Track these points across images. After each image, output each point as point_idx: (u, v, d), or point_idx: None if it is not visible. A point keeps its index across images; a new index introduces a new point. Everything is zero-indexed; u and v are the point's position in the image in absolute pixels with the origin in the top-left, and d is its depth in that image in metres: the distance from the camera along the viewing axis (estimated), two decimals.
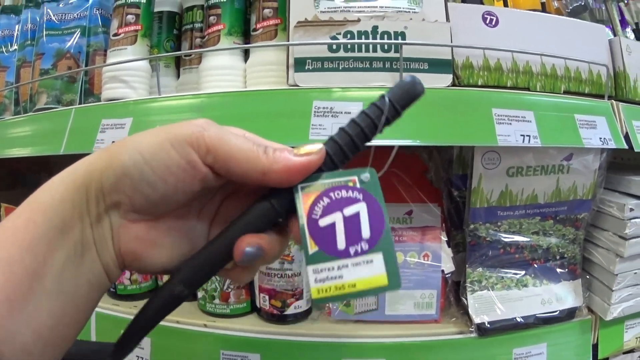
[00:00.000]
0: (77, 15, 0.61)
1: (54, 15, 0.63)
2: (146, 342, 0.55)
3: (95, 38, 0.60)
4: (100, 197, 0.21)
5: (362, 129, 0.26)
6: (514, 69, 0.52)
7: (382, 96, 0.25)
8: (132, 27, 0.55)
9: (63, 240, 0.20)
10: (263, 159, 0.21)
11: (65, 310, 0.20)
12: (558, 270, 0.55)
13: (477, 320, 0.50)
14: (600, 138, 0.52)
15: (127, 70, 0.54)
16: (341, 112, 0.45)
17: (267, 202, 0.22)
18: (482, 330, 0.50)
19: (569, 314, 0.55)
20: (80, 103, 0.59)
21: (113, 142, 0.53)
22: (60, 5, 0.63)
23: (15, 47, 0.69)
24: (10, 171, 0.79)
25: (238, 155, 0.21)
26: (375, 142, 0.45)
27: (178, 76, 0.58)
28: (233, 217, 0.23)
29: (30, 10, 0.68)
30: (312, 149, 0.23)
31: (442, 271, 0.49)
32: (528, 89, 0.53)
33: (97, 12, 0.61)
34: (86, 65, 0.59)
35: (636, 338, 0.60)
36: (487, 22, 0.52)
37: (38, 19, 0.65)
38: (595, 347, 0.57)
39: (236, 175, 0.22)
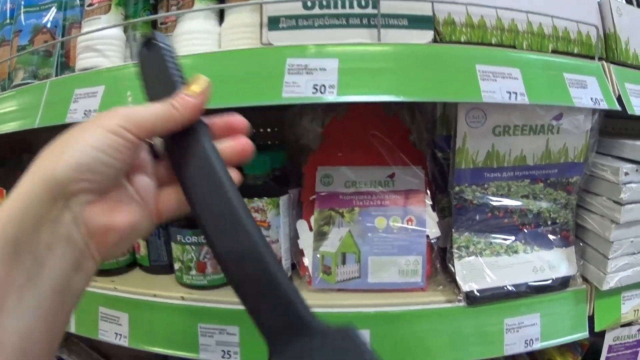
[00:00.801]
0: None
1: None
2: (123, 317, 0.52)
3: (72, 11, 0.57)
4: (57, 193, 0.22)
5: None
6: (498, 26, 0.49)
7: None
8: None
9: (17, 260, 0.21)
10: (176, 114, 0.25)
11: (32, 328, 0.21)
12: (550, 236, 0.51)
13: (465, 288, 0.46)
14: (592, 98, 0.49)
15: (100, 39, 0.51)
16: (316, 69, 0.42)
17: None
18: (471, 299, 0.46)
19: (562, 283, 0.51)
20: (56, 76, 0.56)
21: (85, 112, 0.51)
22: None
23: None
24: None
25: (158, 121, 0.25)
26: (353, 98, 0.43)
27: None
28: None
29: None
30: (202, 86, 0.27)
31: (427, 236, 0.46)
32: (514, 47, 0.49)
33: None
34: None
35: (635, 310, 0.56)
36: None
37: None
38: (591, 320, 0.53)
39: (161, 133, 0.26)
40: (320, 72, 0.42)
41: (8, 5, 0.65)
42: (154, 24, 0.55)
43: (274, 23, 0.45)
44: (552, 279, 0.50)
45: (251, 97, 0.42)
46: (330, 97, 0.41)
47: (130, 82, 0.48)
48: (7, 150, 0.76)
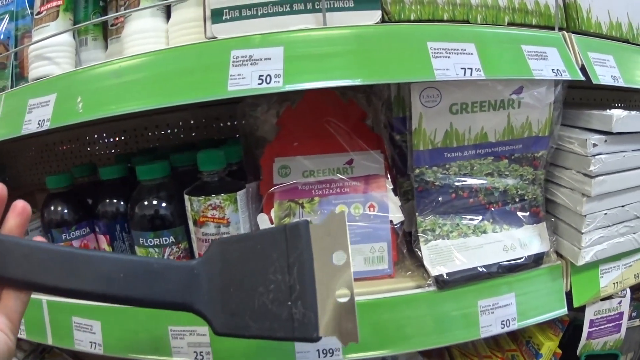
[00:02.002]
0: (5, 1, 0.58)
1: None
2: (96, 325, 0.51)
3: (23, 21, 0.56)
4: None
5: None
6: (449, 1, 0.47)
7: None
8: (53, 3, 0.51)
9: None
10: None
11: None
12: (519, 213, 0.49)
13: (433, 272, 0.45)
14: (553, 69, 0.47)
15: (50, 47, 0.50)
16: (261, 59, 0.41)
17: None
18: (441, 283, 0.45)
19: (535, 260, 0.49)
20: (12, 88, 0.55)
21: (39, 122, 0.49)
22: None
23: None
24: None
25: None
26: (300, 85, 0.41)
27: (106, 48, 0.54)
28: None
29: None
30: None
31: (391, 222, 0.44)
32: (468, 22, 0.47)
33: None
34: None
35: (614, 284, 0.54)
36: None
37: None
38: (569, 295, 0.52)
39: None
40: (265, 62, 0.41)
41: None
42: (104, 27, 0.54)
43: (217, 16, 0.43)
44: (525, 257, 0.49)
45: (197, 93, 0.41)
46: (277, 86, 0.40)
47: (81, 87, 0.46)
48: None
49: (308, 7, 0.43)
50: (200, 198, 0.42)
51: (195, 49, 0.43)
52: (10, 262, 0.27)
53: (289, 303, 0.27)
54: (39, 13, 0.52)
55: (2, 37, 0.56)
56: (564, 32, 0.50)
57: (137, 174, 0.45)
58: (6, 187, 0.30)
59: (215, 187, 0.43)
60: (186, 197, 0.43)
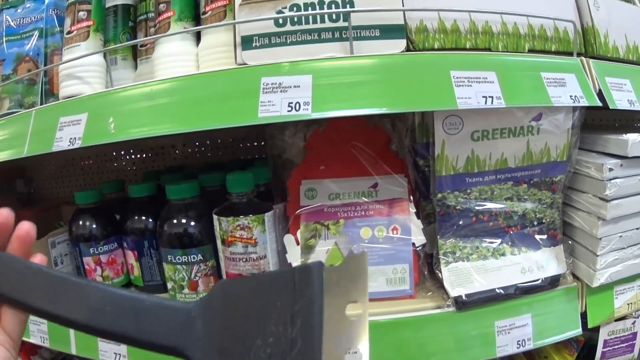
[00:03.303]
0: (34, 18, 0.60)
1: (12, 21, 0.62)
2: None
3: (53, 38, 0.58)
4: None
5: None
6: (472, 29, 0.49)
7: None
8: (84, 24, 0.53)
9: None
10: None
11: None
12: (537, 236, 0.51)
13: (453, 293, 0.47)
14: (571, 96, 0.49)
15: (81, 67, 0.52)
16: (290, 87, 0.43)
17: None
18: (460, 304, 0.47)
19: (552, 282, 0.51)
20: (41, 104, 0.57)
21: (70, 140, 0.51)
22: (18, 10, 0.62)
23: None
24: None
25: None
26: (328, 114, 0.43)
27: (135, 68, 0.56)
28: None
29: None
30: None
31: (413, 244, 0.46)
32: (489, 49, 0.49)
33: (53, 12, 0.59)
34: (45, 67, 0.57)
35: (628, 304, 0.56)
36: None
37: None
38: (584, 316, 0.53)
39: None
40: (294, 90, 0.43)
41: None
42: (134, 47, 0.56)
43: (247, 42, 0.45)
44: (542, 279, 0.51)
45: (228, 119, 0.43)
46: (306, 114, 0.42)
47: (112, 107, 0.48)
48: None
49: (335, 36, 0.45)
50: (229, 218, 0.44)
51: (226, 75, 0.45)
52: (7, 281, 0.27)
53: None
54: (69, 32, 0.54)
55: (31, 53, 0.59)
56: (582, 57, 0.52)
57: (167, 193, 0.47)
58: (13, 213, 0.31)
59: (243, 208, 0.45)
60: (215, 217, 0.46)
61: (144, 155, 0.83)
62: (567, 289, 0.52)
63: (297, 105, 0.42)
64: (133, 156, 0.83)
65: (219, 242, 0.46)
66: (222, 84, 0.44)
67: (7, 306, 0.28)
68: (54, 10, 0.59)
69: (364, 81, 0.44)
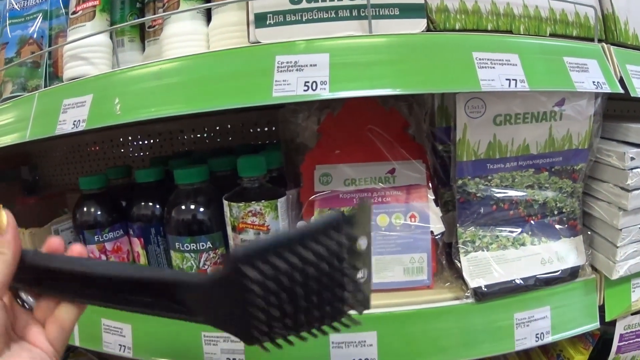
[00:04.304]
0: (39, 0, 0.56)
1: (16, 4, 0.58)
2: (126, 328, 0.49)
3: (57, 20, 0.55)
4: None
5: None
6: (493, 11, 0.45)
7: None
8: (89, 3, 0.49)
9: None
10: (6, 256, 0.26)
11: None
12: (557, 226, 0.48)
13: (472, 284, 0.43)
14: (594, 82, 0.46)
15: (86, 47, 0.48)
16: (306, 65, 0.39)
17: None
18: (479, 295, 0.44)
19: (571, 274, 0.48)
20: (45, 87, 0.53)
21: (74, 122, 0.48)
22: None
23: None
24: None
25: None
26: (347, 93, 0.40)
27: (143, 49, 0.53)
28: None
29: None
30: (3, 220, 0.27)
31: (432, 232, 0.43)
32: (511, 32, 0.46)
33: None
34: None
35: None
36: None
37: (2, 11, 0.60)
38: (601, 309, 0.50)
39: (9, 278, 0.26)
40: (310, 69, 0.39)
41: None
42: (141, 29, 0.52)
43: (260, 20, 0.42)
44: (561, 270, 0.47)
45: (241, 98, 0.39)
46: (323, 93, 0.38)
47: (119, 88, 0.45)
48: (1, 163, 0.74)
49: (353, 14, 0.42)
50: (240, 204, 0.41)
51: (239, 53, 0.41)
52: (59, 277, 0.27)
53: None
54: (74, 12, 0.50)
55: (35, 35, 0.55)
56: (603, 43, 0.49)
57: (175, 177, 0.44)
58: (63, 241, 0.29)
59: (255, 193, 0.42)
60: (225, 202, 0.42)
61: (152, 141, 0.79)
62: (585, 281, 0.49)
63: (314, 84, 0.39)
64: (140, 142, 0.79)
65: (229, 228, 0.43)
66: (234, 62, 0.41)
67: (60, 299, 0.28)
68: None
69: (383, 60, 0.40)
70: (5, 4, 0.59)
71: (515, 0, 0.47)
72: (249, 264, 0.25)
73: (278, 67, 0.39)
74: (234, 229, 0.42)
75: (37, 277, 0.27)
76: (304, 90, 0.38)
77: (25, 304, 0.29)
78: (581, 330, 0.50)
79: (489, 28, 0.45)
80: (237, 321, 0.26)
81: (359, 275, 0.27)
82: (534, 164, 0.46)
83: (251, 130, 0.76)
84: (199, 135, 0.75)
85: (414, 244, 0.43)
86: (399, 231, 0.43)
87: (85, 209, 0.49)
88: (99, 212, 0.48)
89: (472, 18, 0.45)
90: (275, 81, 0.39)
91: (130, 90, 0.44)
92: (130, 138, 0.82)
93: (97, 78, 0.46)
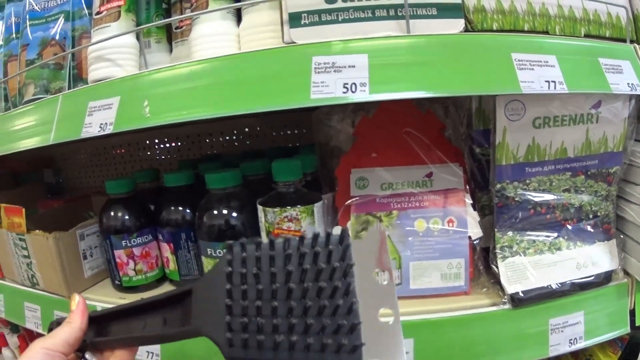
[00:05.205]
0: (60, 1, 0.54)
1: (36, 5, 0.55)
2: None
3: (80, 21, 0.52)
4: None
5: None
6: (529, 11, 0.43)
7: None
8: (114, 3, 0.47)
9: None
10: (74, 324, 0.30)
11: None
12: (592, 230, 0.46)
13: (510, 290, 0.41)
14: (629, 83, 0.43)
15: (112, 48, 0.46)
16: (344, 66, 0.37)
17: None
18: (516, 301, 0.42)
19: (605, 278, 0.46)
20: (69, 89, 0.51)
21: (100, 125, 0.46)
22: None
23: (0, 42, 0.61)
24: (11, 170, 0.72)
25: (69, 337, 0.30)
26: (387, 95, 0.38)
27: (171, 51, 0.50)
28: None
29: (14, 4, 0.60)
30: (74, 302, 0.31)
31: (469, 237, 0.41)
32: (547, 33, 0.44)
33: None
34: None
35: None
36: None
37: (22, 12, 0.58)
38: (632, 313, 0.48)
39: (77, 342, 0.30)
40: (349, 70, 0.37)
41: (13, 19, 0.60)
42: (168, 30, 0.50)
43: (295, 20, 0.39)
44: (595, 275, 0.45)
45: (277, 100, 0.37)
46: (363, 95, 0.36)
47: (147, 90, 0.42)
48: (24, 166, 0.71)
49: (390, 14, 0.40)
50: (275, 209, 0.39)
51: (274, 54, 0.39)
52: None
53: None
54: (98, 13, 0.48)
55: (57, 37, 0.52)
56: (635, 44, 0.47)
57: (207, 182, 0.41)
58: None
59: (291, 198, 0.39)
60: (260, 208, 0.40)
61: (180, 144, 0.75)
62: (618, 286, 0.47)
63: (354, 86, 0.36)
64: (168, 145, 0.76)
65: (263, 234, 0.41)
66: (269, 63, 0.38)
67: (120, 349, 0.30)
68: None
69: (423, 61, 0.38)
70: (24, 5, 0.57)
71: (550, 0, 0.45)
72: (236, 256, 0.24)
73: (315, 68, 0.37)
74: (268, 234, 0.40)
75: (95, 331, 0.30)
76: (343, 92, 0.36)
77: None
78: (612, 335, 0.48)
79: (526, 28, 0.43)
80: (217, 324, 0.24)
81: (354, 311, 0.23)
82: (571, 167, 0.44)
83: (281, 133, 0.73)
84: (227, 138, 0.72)
85: (452, 249, 0.41)
86: (436, 236, 0.40)
87: (112, 213, 0.46)
88: (126, 217, 0.46)
89: (509, 18, 0.43)
90: (313, 82, 0.37)
91: (159, 92, 0.41)
92: (157, 141, 0.79)
93: (124, 80, 0.44)
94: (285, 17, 0.40)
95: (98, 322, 0.31)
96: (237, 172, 0.42)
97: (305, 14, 0.39)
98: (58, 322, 0.31)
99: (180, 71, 0.41)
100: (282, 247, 0.24)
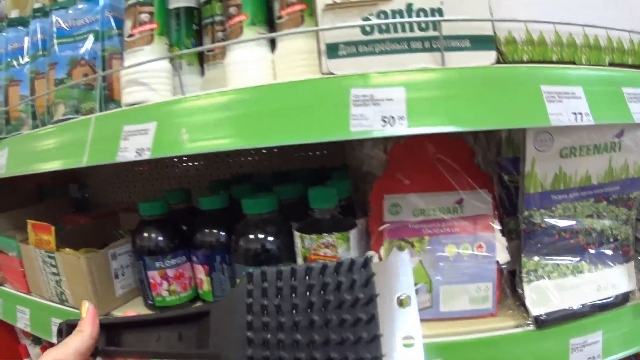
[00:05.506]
0: (88, 20, 0.54)
1: (63, 23, 0.55)
2: None
3: (110, 42, 0.52)
4: None
5: None
6: (557, 41, 0.44)
7: None
8: (147, 27, 0.47)
9: None
10: (85, 332, 0.30)
11: None
12: (612, 253, 0.48)
13: (534, 312, 0.43)
14: None
15: (146, 72, 0.46)
16: (383, 100, 0.38)
17: None
18: (540, 322, 0.43)
19: (623, 299, 0.48)
20: (100, 111, 0.51)
21: (137, 150, 0.46)
22: (70, 12, 0.55)
23: (26, 59, 0.61)
24: (36, 185, 0.72)
25: (81, 345, 0.30)
26: (424, 129, 0.39)
27: (202, 73, 0.51)
28: None
29: (39, 21, 0.60)
30: (84, 309, 0.31)
31: (497, 262, 0.42)
32: (574, 63, 0.45)
33: (109, 14, 0.53)
34: (103, 71, 0.51)
35: None
36: None
37: (48, 29, 0.58)
38: None
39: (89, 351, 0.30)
40: (387, 103, 0.38)
41: (39, 36, 0.60)
42: (200, 53, 0.50)
43: (332, 50, 0.40)
44: (615, 296, 0.47)
45: (317, 133, 0.38)
46: (401, 129, 0.37)
47: (184, 117, 0.43)
48: (49, 180, 0.71)
49: (426, 46, 0.40)
50: (312, 236, 0.40)
51: (312, 85, 0.40)
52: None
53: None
54: (130, 35, 0.48)
55: (87, 57, 0.53)
56: None
57: (244, 207, 0.42)
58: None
59: (327, 225, 0.40)
60: (297, 234, 0.41)
61: (208, 163, 0.75)
62: (634, 305, 0.49)
63: (392, 119, 0.37)
64: (196, 162, 0.76)
65: (299, 259, 0.42)
66: (308, 94, 0.39)
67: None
68: (111, 12, 0.53)
69: (457, 95, 0.39)
70: (50, 22, 0.57)
71: (576, 30, 0.46)
72: (256, 285, 0.24)
73: (354, 100, 0.38)
74: (305, 259, 0.41)
75: (107, 339, 0.30)
76: (382, 126, 0.37)
77: None
78: (628, 353, 0.50)
79: (554, 59, 0.44)
80: (237, 354, 0.24)
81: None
82: (594, 194, 0.45)
83: (310, 154, 0.73)
84: (257, 158, 0.72)
85: (481, 273, 0.42)
86: (466, 261, 0.42)
87: (145, 234, 0.47)
88: (160, 238, 0.46)
89: (538, 49, 0.44)
90: (352, 115, 0.37)
91: (197, 120, 0.42)
92: (185, 158, 0.78)
93: (160, 105, 0.44)
94: (323, 47, 0.40)
95: (110, 329, 0.30)
96: (273, 198, 0.42)
97: (343, 45, 0.40)
98: (68, 324, 0.31)
99: (218, 100, 0.42)
100: (303, 276, 0.24)
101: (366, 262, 0.24)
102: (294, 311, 0.24)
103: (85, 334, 0.29)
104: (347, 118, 0.37)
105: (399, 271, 0.24)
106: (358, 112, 0.38)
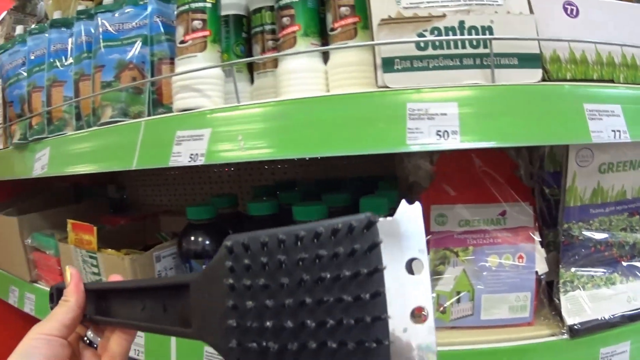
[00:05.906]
0: (136, 24, 0.55)
1: (110, 26, 0.56)
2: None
3: (159, 46, 0.53)
4: None
5: None
6: (597, 60, 0.46)
7: None
8: (200, 33, 0.48)
9: None
10: (70, 303, 0.30)
11: None
12: None
13: (569, 321, 0.45)
14: None
15: (199, 79, 0.47)
16: (437, 114, 0.39)
17: None
18: (574, 332, 0.45)
19: None
20: (149, 115, 0.52)
21: (190, 156, 0.47)
22: (116, 15, 0.56)
23: (70, 60, 0.62)
24: (74, 185, 0.72)
25: (67, 316, 0.29)
26: (475, 144, 0.40)
27: (251, 81, 0.52)
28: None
29: (83, 23, 0.61)
30: (69, 275, 0.30)
31: (536, 272, 0.44)
32: (612, 81, 0.47)
33: (158, 19, 0.54)
34: (152, 75, 0.52)
35: None
36: (568, 12, 0.46)
37: (93, 31, 0.58)
38: None
39: (76, 321, 0.30)
40: (441, 117, 0.39)
41: (84, 38, 0.61)
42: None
43: (388, 65, 0.41)
44: None
45: (375, 145, 0.39)
46: (454, 144, 0.38)
47: (239, 125, 0.44)
48: (87, 180, 0.72)
49: (477, 63, 0.42)
50: None
51: (369, 98, 0.41)
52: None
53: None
54: (183, 42, 0.49)
55: (135, 60, 0.54)
56: None
57: (295, 214, 0.43)
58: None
59: None
60: None
61: (249, 167, 0.75)
62: None
63: (446, 134, 0.39)
64: (237, 167, 0.76)
65: None
66: (366, 106, 0.40)
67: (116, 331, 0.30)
68: (159, 17, 0.54)
69: (506, 111, 0.40)
70: (96, 25, 0.57)
71: (615, 49, 0.47)
72: (239, 250, 0.21)
73: (410, 114, 0.39)
74: None
75: (95, 306, 0.29)
76: (437, 139, 0.39)
77: (94, 344, 0.32)
78: None
79: (595, 77, 0.46)
80: (217, 325, 0.21)
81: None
82: (628, 208, 0.47)
83: (352, 162, 0.73)
84: (301, 165, 0.72)
85: (521, 283, 0.43)
86: (507, 271, 0.43)
87: (193, 238, 0.48)
88: (207, 242, 0.47)
89: (580, 68, 0.45)
90: (409, 129, 0.39)
91: (252, 128, 0.43)
92: (228, 163, 0.77)
93: (215, 111, 0.45)
94: (379, 61, 0.41)
95: (98, 296, 0.29)
96: (323, 207, 0.44)
97: (398, 60, 0.41)
98: (57, 289, 0.30)
99: (272, 109, 0.43)
100: (293, 246, 0.20)
101: (370, 224, 0.20)
102: (283, 292, 0.20)
103: (70, 303, 0.28)
104: (404, 131, 0.39)
105: (408, 230, 0.20)
106: (414, 125, 0.39)
